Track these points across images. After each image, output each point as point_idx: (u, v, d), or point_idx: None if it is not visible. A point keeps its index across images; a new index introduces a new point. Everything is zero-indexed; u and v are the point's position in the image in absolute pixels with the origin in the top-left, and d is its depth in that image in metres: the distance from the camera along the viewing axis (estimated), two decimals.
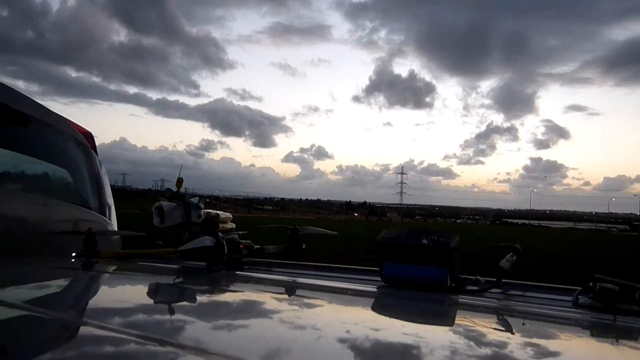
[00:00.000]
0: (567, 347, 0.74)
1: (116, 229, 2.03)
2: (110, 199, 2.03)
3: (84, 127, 2.01)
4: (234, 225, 1.62)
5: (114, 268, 1.34)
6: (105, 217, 1.95)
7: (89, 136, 1.99)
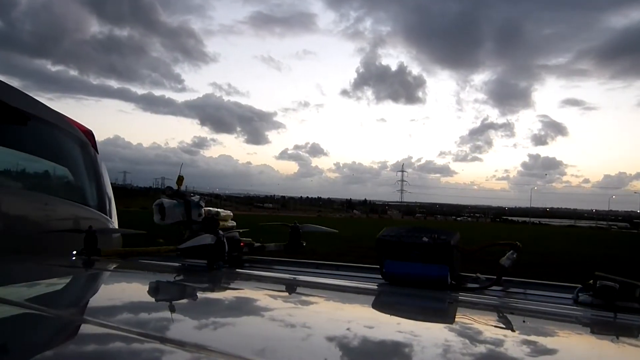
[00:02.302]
0: (567, 345, 0.74)
1: (117, 226, 2.03)
2: (111, 197, 2.03)
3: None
4: (235, 223, 1.62)
5: (114, 266, 1.34)
6: (106, 215, 1.95)
7: (89, 134, 1.99)
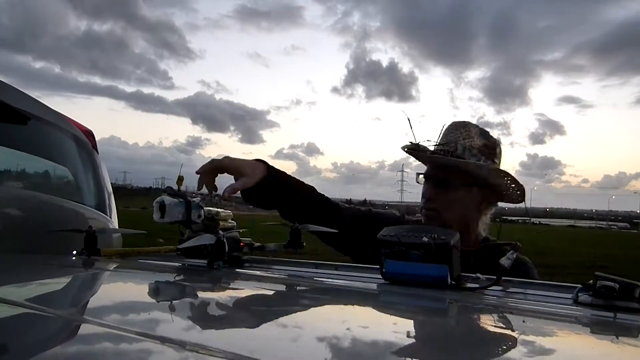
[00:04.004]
0: (567, 345, 0.74)
1: (117, 227, 2.04)
2: (111, 197, 2.04)
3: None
4: (235, 223, 1.62)
5: (114, 266, 1.34)
6: (106, 215, 1.95)
7: (89, 134, 2.00)
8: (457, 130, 1.67)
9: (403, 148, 1.70)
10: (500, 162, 1.71)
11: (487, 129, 1.70)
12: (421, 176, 1.74)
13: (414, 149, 1.68)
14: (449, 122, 1.72)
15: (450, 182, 1.65)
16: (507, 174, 1.64)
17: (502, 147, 1.73)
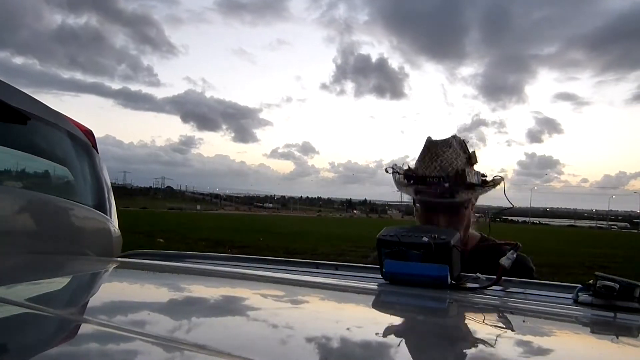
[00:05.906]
0: (567, 345, 0.74)
1: (117, 227, 2.03)
2: (111, 197, 2.04)
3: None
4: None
5: (114, 266, 1.34)
6: (106, 215, 1.95)
7: (89, 134, 2.00)
8: (446, 153, 1.64)
9: (393, 176, 1.72)
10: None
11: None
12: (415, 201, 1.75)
13: (413, 180, 1.67)
14: (427, 140, 1.68)
15: (460, 207, 1.66)
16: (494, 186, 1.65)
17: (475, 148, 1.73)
